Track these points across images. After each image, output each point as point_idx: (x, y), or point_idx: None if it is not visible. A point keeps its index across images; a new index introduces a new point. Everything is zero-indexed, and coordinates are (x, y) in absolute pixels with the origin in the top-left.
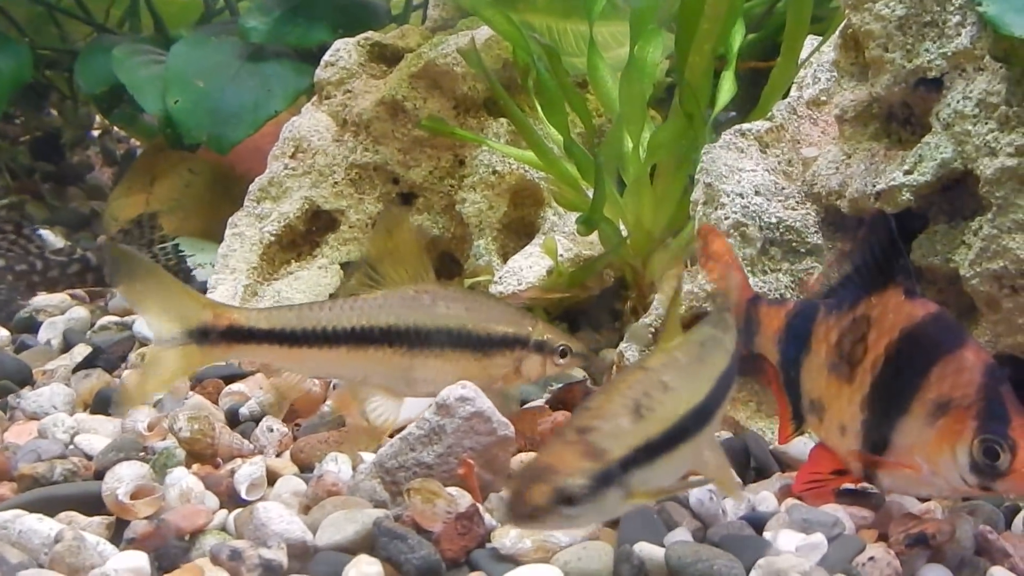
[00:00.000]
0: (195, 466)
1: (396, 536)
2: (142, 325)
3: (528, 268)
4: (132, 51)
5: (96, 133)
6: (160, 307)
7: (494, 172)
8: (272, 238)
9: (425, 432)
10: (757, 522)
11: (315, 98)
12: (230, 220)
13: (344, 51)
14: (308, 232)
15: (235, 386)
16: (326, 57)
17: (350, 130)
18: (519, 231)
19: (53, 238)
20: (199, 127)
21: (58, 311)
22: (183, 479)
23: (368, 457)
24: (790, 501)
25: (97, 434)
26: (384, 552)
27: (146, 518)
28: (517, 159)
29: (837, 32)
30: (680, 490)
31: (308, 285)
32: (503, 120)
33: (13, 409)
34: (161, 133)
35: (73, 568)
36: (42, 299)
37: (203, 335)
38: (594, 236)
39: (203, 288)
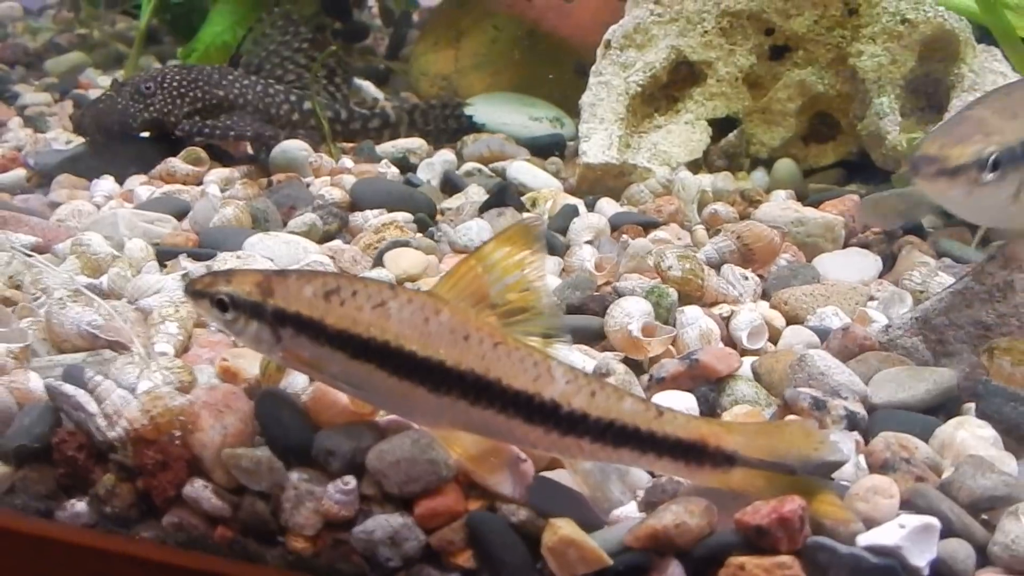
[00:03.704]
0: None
1: (1011, 397)
2: (516, 171)
3: None
4: None
5: None
6: None
7: (903, 21)
8: (638, 88)
9: (986, 288)
10: None
11: None
12: (593, 68)
13: None
14: (669, 84)
15: (658, 233)
16: None
17: None
18: (924, 90)
19: (374, 90)
20: None
21: (423, 153)
22: (699, 319)
23: (899, 311)
24: None
25: None
26: (997, 415)
27: (657, 357)
28: (947, 5)
29: None
30: None
31: (681, 140)
32: None
33: (438, 242)
34: None
35: None
36: (406, 141)
37: None
38: None
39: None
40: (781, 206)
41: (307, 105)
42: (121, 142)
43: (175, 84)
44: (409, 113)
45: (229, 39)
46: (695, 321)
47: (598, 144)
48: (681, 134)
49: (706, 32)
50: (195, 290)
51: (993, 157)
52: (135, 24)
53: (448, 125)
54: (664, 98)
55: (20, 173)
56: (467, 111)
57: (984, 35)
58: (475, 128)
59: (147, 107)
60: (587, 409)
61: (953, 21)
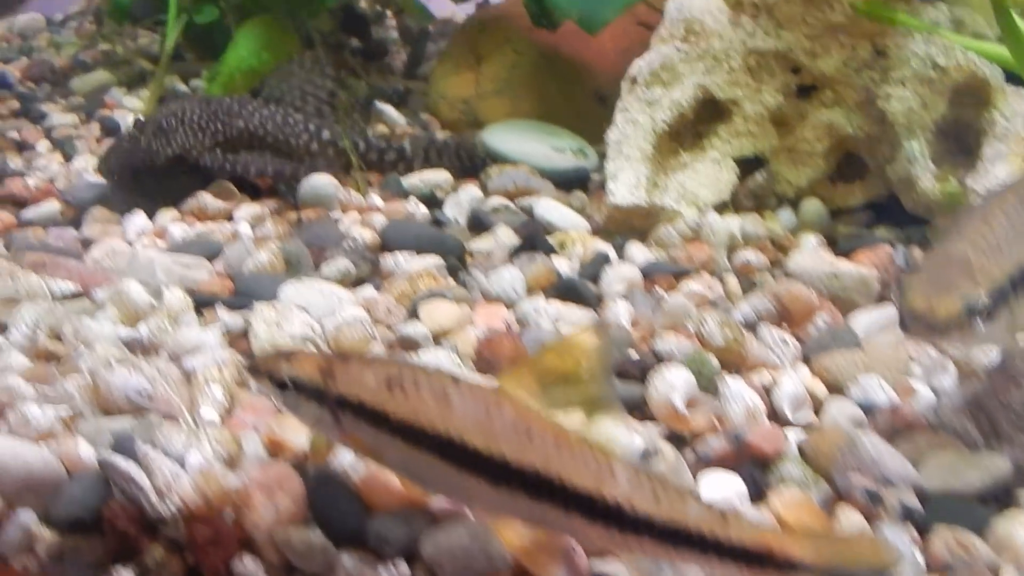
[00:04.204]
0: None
1: None
2: (543, 209)
3: None
4: None
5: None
6: None
7: (935, 66)
8: (665, 126)
9: None
10: None
11: None
12: (619, 104)
13: None
14: (695, 120)
15: (692, 285)
16: None
17: (748, 12)
18: (955, 135)
19: (395, 113)
20: (570, 4)
21: (449, 188)
22: (744, 394)
23: (947, 384)
24: None
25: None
26: None
27: (700, 432)
28: (978, 52)
29: None
30: None
31: (709, 179)
32: (942, 5)
33: (470, 289)
34: (527, 10)
35: None
36: (432, 175)
37: None
38: None
39: (582, 177)
40: (814, 257)
41: (326, 135)
42: (149, 176)
43: (196, 118)
44: (425, 149)
45: (254, 63)
46: (740, 396)
47: (626, 184)
48: (708, 173)
49: (733, 70)
50: (258, 370)
51: (981, 305)
52: (156, 38)
53: (462, 163)
54: (690, 134)
55: (53, 206)
56: (485, 139)
57: (1013, 78)
58: (489, 163)
59: (170, 143)
60: (651, 512)
61: (984, 67)
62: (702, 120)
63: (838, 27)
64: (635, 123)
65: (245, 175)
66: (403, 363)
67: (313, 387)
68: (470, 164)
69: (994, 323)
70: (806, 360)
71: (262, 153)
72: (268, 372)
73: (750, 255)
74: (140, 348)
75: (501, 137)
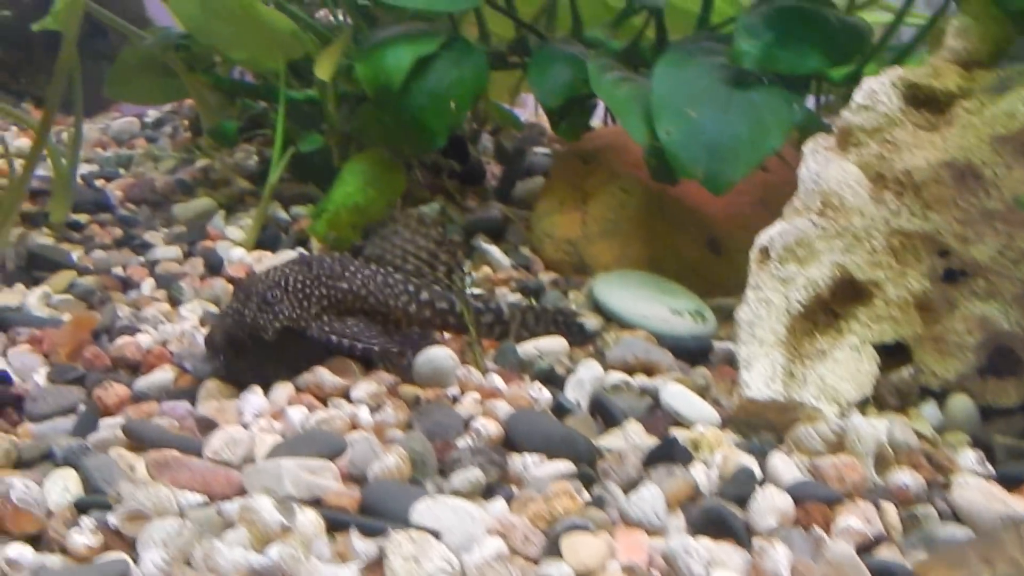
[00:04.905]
0: None
1: None
2: (670, 396)
3: None
4: (603, 66)
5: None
6: None
7: None
8: (800, 307)
9: None
10: None
11: (827, 141)
12: (752, 281)
13: (883, 94)
14: (830, 298)
15: (848, 520)
16: (859, 99)
17: (891, 189)
18: None
19: (498, 253)
20: (694, 162)
21: (565, 360)
22: None
23: None
24: None
25: (727, 569)
26: None
27: None
28: None
29: None
30: None
31: (849, 371)
32: None
33: (607, 508)
34: (647, 163)
35: None
36: (549, 343)
37: None
38: None
39: (705, 351)
40: (983, 493)
41: (424, 296)
42: (259, 350)
43: (300, 286)
44: (523, 312)
45: (360, 200)
46: None
47: (761, 375)
48: (848, 364)
49: (874, 250)
50: None
51: None
52: (251, 151)
53: (559, 331)
54: (823, 312)
55: (167, 375)
56: (597, 293)
57: None
58: (589, 339)
59: (276, 317)
60: None
61: None
62: (838, 300)
63: (994, 213)
64: (768, 303)
65: (351, 353)
66: None
67: None
68: (568, 332)
69: None
70: None
71: (368, 324)
72: None
73: (906, 477)
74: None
75: (615, 293)
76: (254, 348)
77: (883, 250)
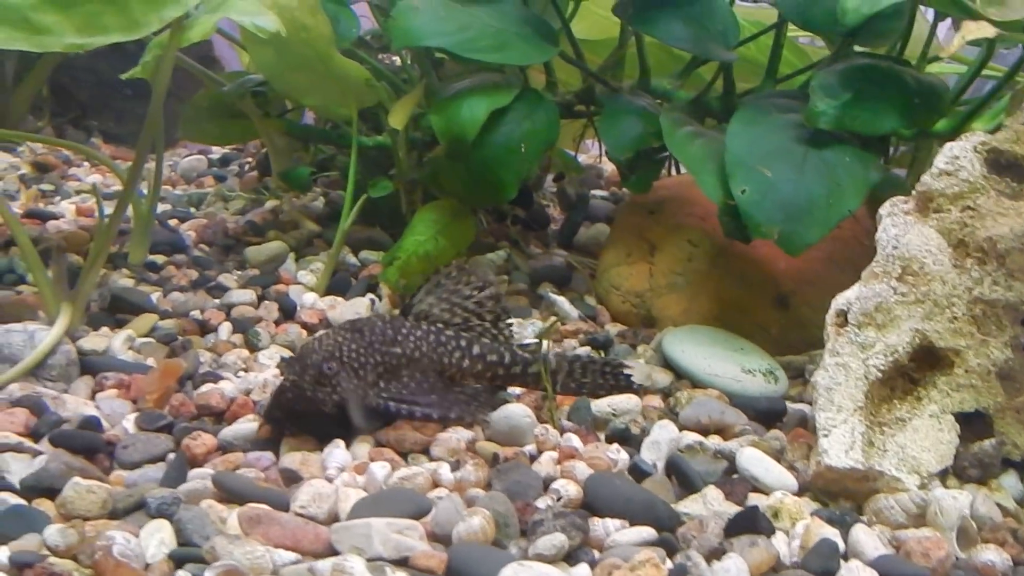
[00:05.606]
0: None
1: None
2: (747, 461)
3: None
4: (675, 121)
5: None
6: None
7: None
8: (879, 374)
9: None
10: None
11: (905, 204)
12: (829, 346)
13: (965, 159)
14: (908, 364)
15: None
16: (941, 164)
17: (973, 256)
18: None
19: (568, 305)
20: (770, 222)
21: (639, 418)
22: None
23: None
24: None
25: None
26: None
27: None
28: None
29: None
30: None
31: (930, 441)
32: None
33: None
34: (720, 221)
35: None
36: (622, 400)
37: None
38: None
39: (779, 413)
40: None
41: (476, 350)
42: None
43: (354, 355)
44: (570, 363)
45: (431, 249)
46: None
47: (840, 443)
48: (929, 433)
49: (955, 318)
50: None
51: None
52: (317, 191)
53: (606, 382)
54: (901, 377)
55: (251, 426)
56: (667, 349)
57: None
58: (633, 389)
59: (334, 390)
60: None
61: None
62: (917, 367)
63: None
64: (847, 368)
65: (411, 418)
66: None
67: None
68: (613, 383)
69: None
70: None
71: (424, 377)
72: None
73: (991, 554)
74: None
75: (686, 349)
76: (316, 419)
77: (964, 318)
